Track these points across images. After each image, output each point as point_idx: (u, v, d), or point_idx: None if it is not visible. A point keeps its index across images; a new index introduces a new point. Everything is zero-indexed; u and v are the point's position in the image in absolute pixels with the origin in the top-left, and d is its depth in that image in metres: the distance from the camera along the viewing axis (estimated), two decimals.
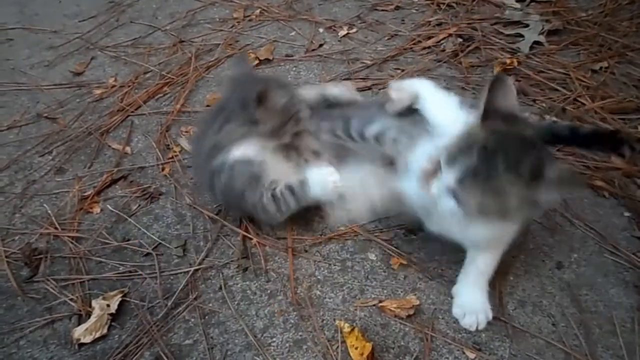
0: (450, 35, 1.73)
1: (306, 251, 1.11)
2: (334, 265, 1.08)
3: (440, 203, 0.83)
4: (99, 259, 1.11)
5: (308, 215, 1.18)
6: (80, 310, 1.01)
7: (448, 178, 0.81)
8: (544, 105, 1.46)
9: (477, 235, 0.91)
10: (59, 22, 1.99)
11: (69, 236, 1.14)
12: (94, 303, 1.01)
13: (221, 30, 1.85)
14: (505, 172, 0.77)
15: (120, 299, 1.01)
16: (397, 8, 1.89)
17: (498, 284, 1.02)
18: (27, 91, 1.63)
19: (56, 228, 1.17)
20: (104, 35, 1.88)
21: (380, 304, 1.00)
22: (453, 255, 1.09)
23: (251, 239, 1.13)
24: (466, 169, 0.79)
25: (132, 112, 1.50)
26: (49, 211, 1.21)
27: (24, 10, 2.11)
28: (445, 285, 1.04)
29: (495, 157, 0.77)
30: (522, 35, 1.72)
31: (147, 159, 1.35)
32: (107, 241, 1.14)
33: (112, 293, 1.03)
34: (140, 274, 1.07)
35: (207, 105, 1.50)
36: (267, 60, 1.67)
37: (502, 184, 0.77)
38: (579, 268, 1.07)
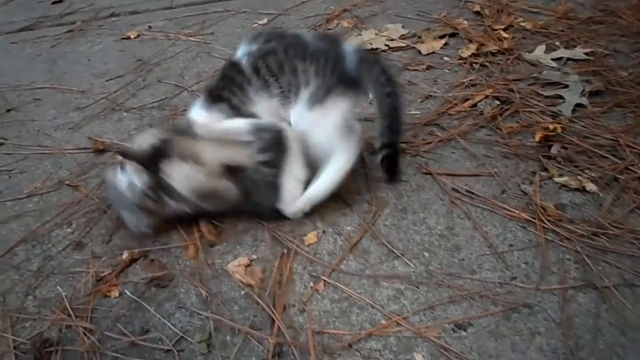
0: (486, 97, 1.65)
1: (344, 349, 0.99)
2: None
3: None
4: (114, 354, 1.00)
5: (344, 305, 1.07)
6: None
7: None
8: (593, 175, 1.35)
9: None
10: (87, 82, 1.99)
11: (82, 326, 1.05)
12: None
13: None
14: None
15: None
16: (429, 68, 1.84)
17: None
18: (50, 155, 1.59)
19: (69, 315, 1.07)
20: (130, 95, 1.86)
21: None
22: (512, 354, 0.96)
23: (284, 334, 1.01)
24: None
25: None
26: (64, 294, 1.12)
27: (53, 68, 2.13)
28: None
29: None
30: (562, 97, 1.64)
31: (171, 235, 1.26)
32: (124, 332, 1.04)
33: None
34: None
35: None
36: None
37: None
38: None
